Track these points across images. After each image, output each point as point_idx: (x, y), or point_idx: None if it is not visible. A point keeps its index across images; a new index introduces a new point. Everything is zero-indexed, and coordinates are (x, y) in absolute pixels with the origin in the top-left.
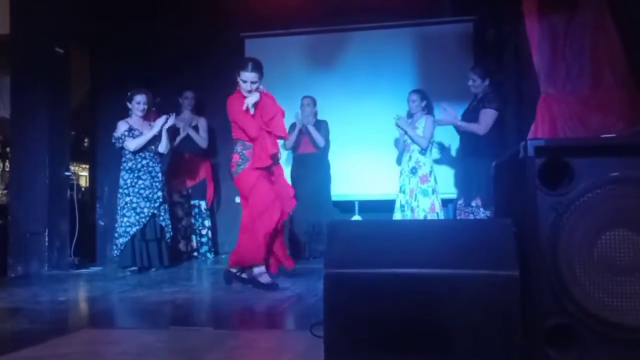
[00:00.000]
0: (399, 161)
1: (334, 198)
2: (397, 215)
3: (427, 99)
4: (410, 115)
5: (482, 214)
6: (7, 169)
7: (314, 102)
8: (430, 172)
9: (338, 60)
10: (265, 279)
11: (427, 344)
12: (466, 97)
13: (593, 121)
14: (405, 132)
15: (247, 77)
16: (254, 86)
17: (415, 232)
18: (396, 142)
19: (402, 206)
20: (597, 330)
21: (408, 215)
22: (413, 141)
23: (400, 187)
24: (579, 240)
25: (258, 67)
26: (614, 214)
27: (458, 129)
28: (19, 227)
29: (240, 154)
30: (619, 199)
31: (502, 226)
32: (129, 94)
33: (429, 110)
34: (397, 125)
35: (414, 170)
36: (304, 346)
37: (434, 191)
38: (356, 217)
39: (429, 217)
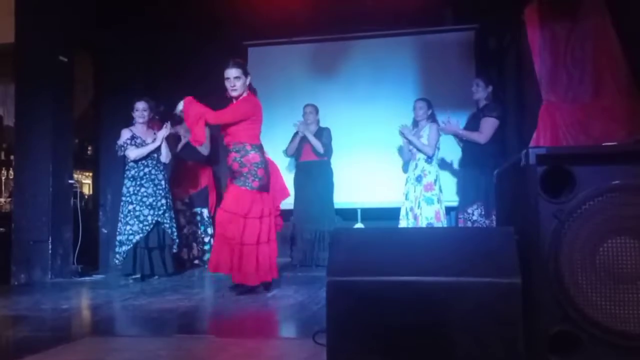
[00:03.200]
0: (405, 169)
1: (336, 206)
2: (402, 223)
3: (432, 107)
4: (415, 123)
5: (478, 219)
6: (11, 177)
7: (316, 110)
8: (436, 180)
9: (340, 68)
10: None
11: (429, 351)
12: (468, 105)
13: (595, 129)
14: (410, 142)
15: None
16: (238, 82)
17: (417, 240)
18: (401, 151)
19: (406, 213)
20: (600, 337)
21: (412, 223)
22: (419, 150)
23: (406, 195)
24: (580, 248)
25: (236, 64)
26: (615, 222)
27: (460, 138)
28: (22, 235)
29: (259, 154)
30: (621, 207)
31: (504, 234)
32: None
33: (433, 118)
34: (402, 134)
35: (419, 179)
36: (307, 354)
37: (438, 200)
38: (358, 225)
39: (434, 225)
